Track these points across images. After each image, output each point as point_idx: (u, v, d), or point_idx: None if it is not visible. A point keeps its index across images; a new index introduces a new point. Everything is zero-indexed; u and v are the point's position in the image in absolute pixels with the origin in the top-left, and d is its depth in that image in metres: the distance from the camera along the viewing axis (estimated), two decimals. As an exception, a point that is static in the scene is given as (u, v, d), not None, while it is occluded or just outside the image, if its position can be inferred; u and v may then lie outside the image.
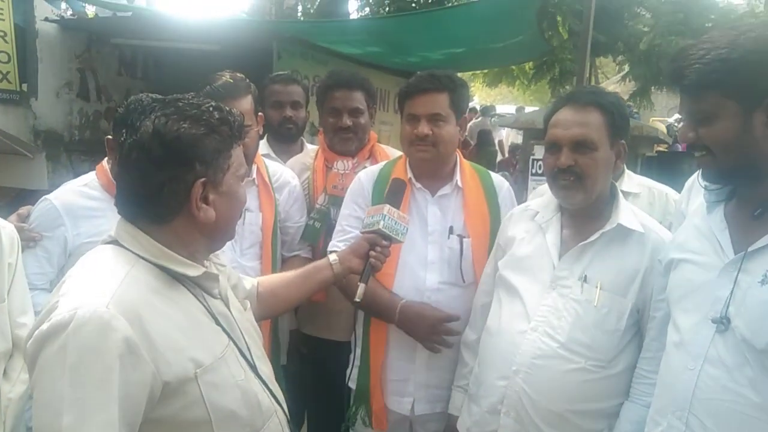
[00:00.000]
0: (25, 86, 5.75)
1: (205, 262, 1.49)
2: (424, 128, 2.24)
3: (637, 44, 9.31)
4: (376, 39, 6.09)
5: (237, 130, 1.42)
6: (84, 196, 2.18)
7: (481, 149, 10.25)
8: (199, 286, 1.41)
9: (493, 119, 13.26)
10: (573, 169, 1.88)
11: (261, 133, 2.63)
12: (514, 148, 10.03)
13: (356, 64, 6.41)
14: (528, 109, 14.78)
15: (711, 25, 9.71)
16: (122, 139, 1.36)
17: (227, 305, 1.49)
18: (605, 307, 1.84)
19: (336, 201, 2.67)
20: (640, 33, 9.55)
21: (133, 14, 5.89)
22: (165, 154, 1.29)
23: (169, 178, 1.31)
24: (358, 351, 2.38)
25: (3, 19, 5.43)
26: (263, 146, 3.21)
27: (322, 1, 9.39)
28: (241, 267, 2.44)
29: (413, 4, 9.61)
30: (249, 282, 1.83)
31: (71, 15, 6.36)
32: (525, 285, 1.98)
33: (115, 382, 1.15)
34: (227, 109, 1.42)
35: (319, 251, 2.69)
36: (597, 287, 1.85)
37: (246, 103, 2.44)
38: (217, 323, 1.40)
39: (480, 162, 2.50)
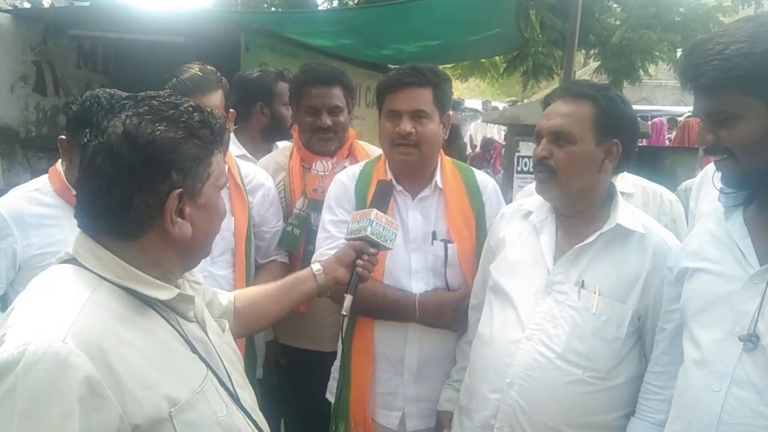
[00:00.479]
0: (-23, 80, 5.44)
1: (179, 281, 1.33)
2: (406, 126, 2.09)
3: (609, 37, 9.30)
4: (348, 31, 5.92)
5: (218, 134, 1.26)
6: (35, 202, 1.96)
7: (451, 143, 10.05)
8: (173, 310, 1.24)
9: (463, 113, 13.20)
10: (547, 161, 1.78)
11: (231, 130, 2.45)
12: (486, 142, 9.91)
13: (327, 57, 6.23)
14: (494, 104, 14.80)
15: (680, 19, 9.80)
16: (85, 140, 1.19)
17: (204, 329, 1.33)
18: (604, 314, 1.72)
19: (317, 205, 2.51)
20: (611, 26, 9.56)
21: (92, 4, 5.60)
22: (137, 159, 1.13)
23: (141, 188, 1.14)
24: (337, 362, 2.23)
25: (-49, 9, 5.12)
26: (235, 146, 3.03)
27: (290, -8, 9.18)
28: (212, 276, 2.28)
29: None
30: (225, 297, 1.67)
31: (26, 5, 6.03)
32: (518, 290, 1.86)
33: (75, 430, 0.98)
34: (208, 110, 1.26)
35: (298, 259, 2.53)
36: (595, 293, 1.74)
37: (216, 98, 2.27)
38: (194, 351, 1.24)
39: (450, 156, 2.36)
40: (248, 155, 2.94)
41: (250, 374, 2.30)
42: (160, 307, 1.20)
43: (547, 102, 1.90)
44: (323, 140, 2.61)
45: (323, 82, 2.60)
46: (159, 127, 1.15)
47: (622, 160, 1.83)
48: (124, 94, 2.39)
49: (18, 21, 5.67)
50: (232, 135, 3.08)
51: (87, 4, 5.65)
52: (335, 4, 9.81)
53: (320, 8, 9.05)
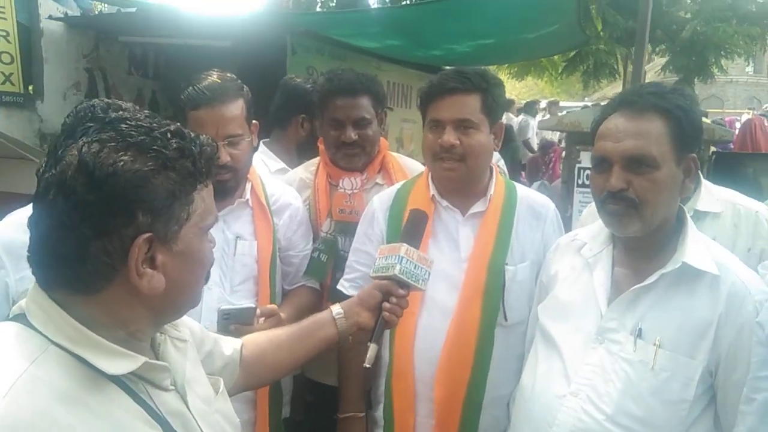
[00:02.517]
0: (30, 88, 5.51)
1: (160, 337, 1.13)
2: (450, 137, 1.87)
3: (679, 32, 8.71)
4: (396, 31, 5.68)
5: (205, 165, 1.05)
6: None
7: (504, 146, 9.55)
8: (141, 379, 1.03)
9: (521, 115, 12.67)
10: (625, 193, 1.48)
11: (256, 144, 2.26)
12: (545, 145, 9.43)
13: (376, 59, 6.04)
14: (562, 104, 14.04)
15: (757, 10, 9.10)
16: (39, 171, 0.99)
17: (184, 398, 1.11)
18: (666, 370, 1.44)
19: (344, 227, 2.30)
20: (681, 20, 8.96)
21: (138, 10, 5.59)
22: (93, 197, 0.92)
23: (98, 233, 0.94)
24: (380, 410, 2.01)
25: (5, 18, 5.18)
26: (269, 158, 2.84)
27: (341, -7, 9.04)
28: None
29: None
30: (230, 345, 1.46)
31: (77, 12, 6.10)
32: (565, 336, 1.60)
33: None
34: (191, 134, 1.04)
35: (327, 287, 2.32)
36: (655, 345, 1.46)
37: (236, 108, 2.08)
38: (166, 430, 1.03)
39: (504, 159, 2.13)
40: (287, 168, 2.74)
41: (274, 414, 2.14)
42: (125, 377, 1.00)
43: (601, 117, 1.61)
44: (348, 156, 2.39)
45: (348, 91, 2.37)
46: (123, 157, 0.94)
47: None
48: (125, 105, 2.28)
49: (70, 29, 5.73)
50: (262, 145, 2.91)
51: (133, 10, 5.63)
52: (388, 2, 9.61)
53: (372, 7, 8.86)
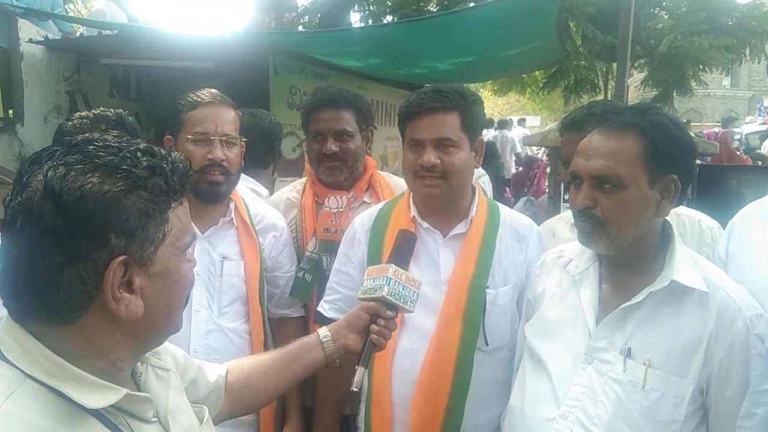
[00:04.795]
0: (10, 112, 5.45)
1: (141, 367, 1.10)
2: (430, 156, 1.85)
3: (656, 47, 8.84)
4: (378, 49, 5.71)
5: (178, 183, 1.02)
6: None
7: (488, 163, 9.58)
8: (122, 412, 1.00)
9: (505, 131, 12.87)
10: (592, 212, 1.48)
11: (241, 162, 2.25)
12: (529, 160, 9.48)
13: (359, 78, 6.06)
14: (531, 120, 14.40)
15: (733, 23, 9.27)
16: (6, 199, 0.95)
17: (167, 430, 1.08)
18: (656, 390, 1.43)
19: (329, 247, 2.28)
20: (658, 35, 9.10)
21: (120, 32, 5.58)
22: (61, 222, 0.89)
23: (70, 259, 0.90)
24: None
25: (-16, 42, 5.15)
26: (262, 187, 2.81)
27: (323, 13, 9.05)
28: (220, 330, 2.07)
29: (417, 10, 9.22)
30: (214, 372, 1.42)
31: (58, 35, 6.07)
32: (553, 356, 1.58)
33: None
34: (162, 152, 1.01)
35: (312, 309, 2.28)
36: (645, 364, 1.44)
37: (231, 114, 2.11)
38: None
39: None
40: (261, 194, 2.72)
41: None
42: (105, 410, 0.96)
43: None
44: (330, 169, 2.37)
45: (330, 104, 2.37)
46: (90, 179, 0.91)
47: (680, 195, 1.53)
48: (115, 114, 2.28)
49: (50, 52, 5.69)
50: (244, 176, 2.89)
51: (115, 32, 5.62)
52: (370, 22, 9.67)
53: (354, 26, 8.92)
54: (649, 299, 1.49)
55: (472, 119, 1.91)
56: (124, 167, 0.94)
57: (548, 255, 1.84)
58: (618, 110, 1.61)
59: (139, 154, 0.97)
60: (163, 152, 1.02)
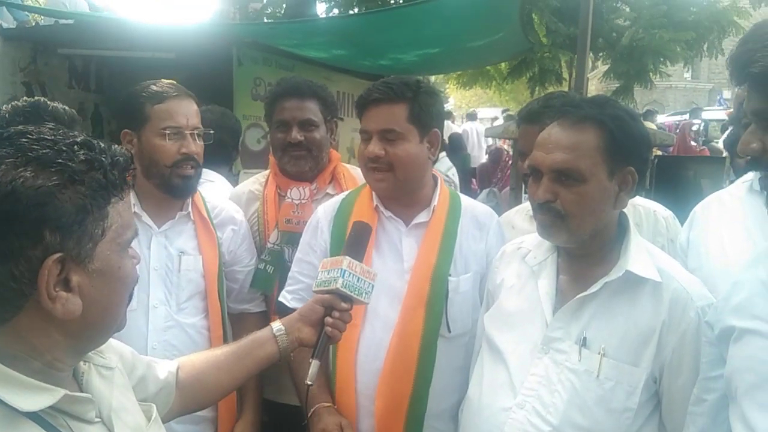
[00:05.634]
0: (-37, 103, 5.27)
1: (84, 366, 1.07)
2: (374, 147, 1.87)
3: (618, 39, 8.99)
4: (343, 40, 5.68)
5: (119, 177, 0.98)
6: None
7: (455, 155, 9.21)
8: (62, 413, 0.97)
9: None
10: (552, 205, 1.50)
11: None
12: (495, 152, 9.52)
13: (325, 69, 6.02)
14: (491, 112, 14.42)
15: (692, 18, 9.48)
16: None
17: (111, 430, 1.05)
18: (610, 379, 1.46)
19: (291, 238, 2.27)
20: (620, 28, 9.25)
21: (77, 21, 5.42)
22: None
23: (2, 257, 0.88)
24: None
25: (-65, 31, 4.96)
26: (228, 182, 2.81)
27: (288, 3, 8.95)
28: (179, 326, 2.04)
29: (382, 2, 9.20)
30: (164, 369, 1.40)
31: (13, 24, 5.88)
32: (511, 346, 1.60)
33: None
34: (101, 145, 0.98)
35: (273, 301, 2.26)
36: (599, 354, 1.47)
37: (195, 107, 2.09)
38: None
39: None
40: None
41: None
42: (43, 412, 0.93)
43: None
44: (294, 158, 2.36)
45: (294, 93, 2.36)
46: (23, 174, 0.87)
47: (637, 186, 1.56)
48: (54, 105, 2.22)
49: (5, 41, 5.50)
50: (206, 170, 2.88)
51: (71, 22, 5.46)
52: (335, 13, 9.61)
53: (319, 17, 8.85)
54: (605, 289, 1.51)
55: (421, 111, 1.90)
56: (59, 161, 0.91)
57: (508, 246, 1.85)
58: (576, 103, 1.62)
59: (76, 147, 0.94)
60: (102, 145, 0.99)
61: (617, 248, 1.57)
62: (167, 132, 1.99)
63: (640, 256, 1.53)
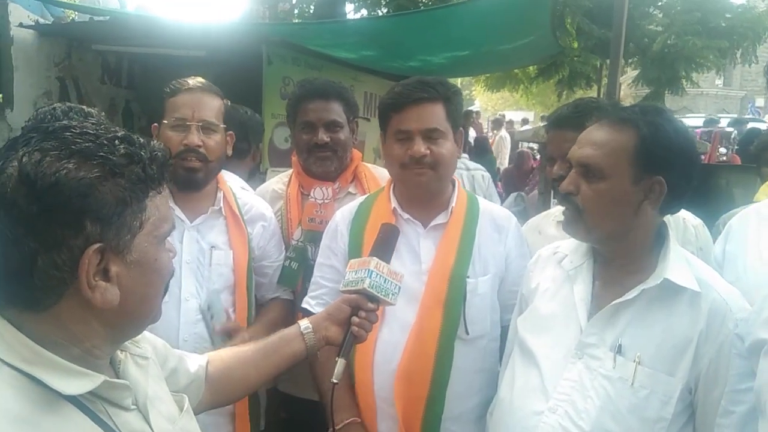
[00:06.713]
0: (0, 96, 5.38)
1: (120, 355, 1.09)
2: (420, 147, 1.85)
3: (650, 45, 8.87)
4: (372, 41, 5.68)
5: (157, 171, 1.01)
6: None
7: (481, 158, 9.15)
8: (101, 399, 0.99)
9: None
10: (573, 198, 1.51)
11: (230, 154, 2.24)
12: (520, 155, 9.47)
13: (353, 69, 6.03)
14: (517, 115, 14.27)
15: (726, 25, 9.31)
16: None
17: (146, 418, 1.07)
18: (645, 387, 1.43)
19: (314, 237, 2.28)
20: (652, 33, 9.12)
21: (111, 18, 5.51)
22: (36, 209, 0.88)
23: (45, 245, 0.90)
24: None
25: (-27, 26, 5.07)
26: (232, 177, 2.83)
27: (318, 3, 9.00)
28: None
29: (412, 2, 9.19)
30: (195, 362, 1.42)
31: (49, 20, 5.99)
32: (544, 350, 1.58)
33: None
34: (140, 140, 1.00)
35: (299, 295, 2.29)
36: (635, 362, 1.44)
37: (214, 101, 2.11)
38: None
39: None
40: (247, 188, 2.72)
41: (254, 426, 2.12)
42: (83, 397, 0.96)
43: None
44: (321, 159, 2.38)
45: (319, 95, 2.38)
46: (66, 165, 0.90)
47: (673, 200, 1.51)
48: (88, 110, 2.27)
49: (41, 37, 5.61)
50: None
51: (106, 18, 5.55)
52: (363, 13, 9.63)
53: (348, 18, 8.87)
54: (642, 297, 1.49)
55: (455, 110, 1.93)
56: (101, 154, 0.94)
57: (543, 251, 1.84)
58: (625, 108, 1.62)
59: (116, 141, 0.97)
60: (142, 140, 1.01)
61: (655, 256, 1.55)
62: (172, 123, 2.03)
63: (678, 264, 1.50)
